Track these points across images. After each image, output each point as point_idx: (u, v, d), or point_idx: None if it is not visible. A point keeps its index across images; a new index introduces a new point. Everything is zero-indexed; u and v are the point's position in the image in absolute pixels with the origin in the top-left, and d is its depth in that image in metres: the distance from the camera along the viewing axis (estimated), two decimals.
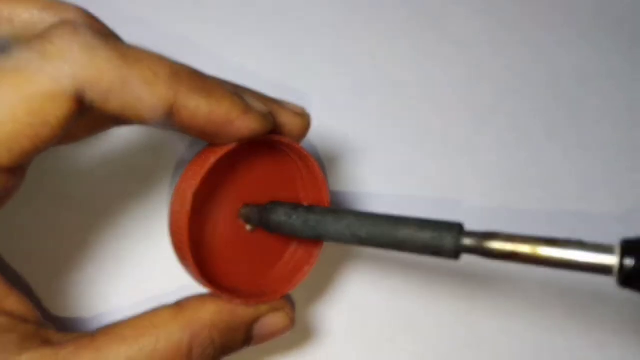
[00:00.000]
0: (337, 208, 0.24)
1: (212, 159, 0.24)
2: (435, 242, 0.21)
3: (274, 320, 0.26)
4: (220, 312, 0.25)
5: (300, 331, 0.32)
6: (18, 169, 0.21)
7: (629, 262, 0.18)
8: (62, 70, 0.20)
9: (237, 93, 0.23)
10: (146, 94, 0.21)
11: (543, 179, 0.36)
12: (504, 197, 0.36)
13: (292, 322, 0.27)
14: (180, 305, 0.25)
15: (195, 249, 0.25)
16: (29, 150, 0.20)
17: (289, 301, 0.27)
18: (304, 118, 0.26)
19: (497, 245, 0.20)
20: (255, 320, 0.26)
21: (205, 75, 0.23)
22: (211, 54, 0.33)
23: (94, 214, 0.31)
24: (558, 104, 0.37)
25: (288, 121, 0.26)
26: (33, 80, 0.20)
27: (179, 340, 0.24)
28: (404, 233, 0.21)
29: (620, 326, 0.35)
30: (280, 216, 0.24)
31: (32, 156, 0.21)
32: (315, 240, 0.25)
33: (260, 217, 0.25)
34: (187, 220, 0.24)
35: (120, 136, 0.32)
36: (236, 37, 0.34)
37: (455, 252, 0.20)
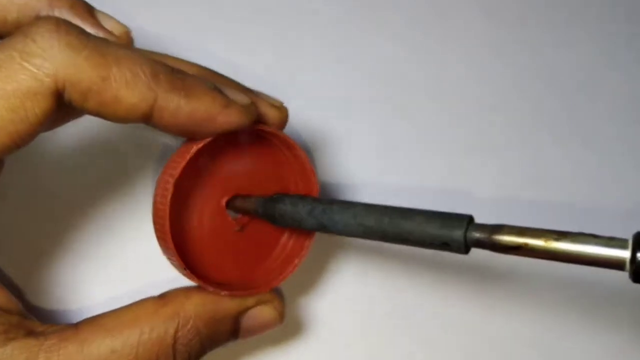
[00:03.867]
0: (344, 200, 0.24)
1: (194, 148, 0.24)
2: (444, 234, 0.20)
3: (261, 313, 0.26)
4: (205, 303, 0.25)
5: (291, 325, 0.32)
6: None
7: None
8: (43, 68, 0.20)
9: (216, 88, 0.23)
10: (125, 94, 0.21)
11: (549, 176, 0.36)
12: (510, 197, 0.36)
13: (281, 316, 0.27)
14: (164, 297, 0.25)
15: (179, 240, 0.25)
16: (8, 145, 0.21)
17: (278, 295, 0.27)
18: (282, 110, 0.27)
19: (507, 238, 0.19)
20: (241, 312, 0.26)
21: (183, 72, 0.23)
22: (194, 44, 0.33)
23: (77, 206, 0.31)
24: (564, 100, 0.37)
25: (265, 112, 0.26)
26: (14, 78, 0.20)
27: (164, 332, 0.24)
28: (412, 224, 0.21)
29: (634, 329, 0.35)
30: (286, 205, 0.24)
31: (10, 151, 0.21)
32: (318, 231, 0.24)
33: (265, 208, 0.25)
34: (168, 209, 0.24)
35: (102, 126, 0.31)
36: (221, 28, 0.34)
37: (464, 246, 0.20)
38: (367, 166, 0.34)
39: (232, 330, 0.26)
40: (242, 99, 0.24)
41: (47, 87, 0.20)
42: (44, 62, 0.20)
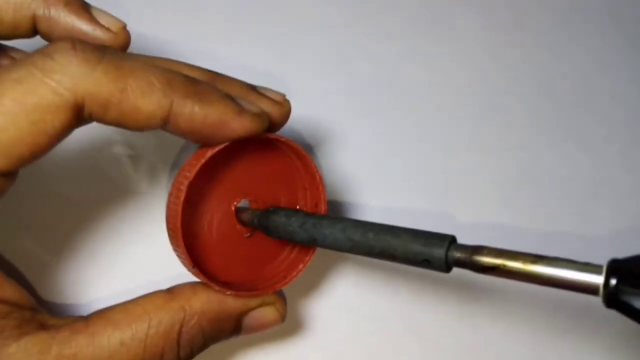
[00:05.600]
0: (336, 216, 0.24)
1: (210, 152, 0.25)
2: (426, 252, 0.21)
3: (263, 314, 0.27)
4: (210, 301, 0.25)
5: (292, 325, 0.33)
6: (12, 173, 0.22)
7: (613, 282, 0.18)
8: (63, 83, 0.21)
9: (229, 96, 0.24)
10: (143, 102, 0.22)
11: (542, 177, 0.37)
12: (505, 197, 0.36)
13: (283, 317, 0.28)
14: (172, 291, 0.25)
15: (189, 240, 0.26)
16: (26, 157, 0.22)
17: (281, 297, 0.28)
18: (283, 106, 0.27)
19: (486, 259, 0.20)
20: (245, 312, 0.27)
21: (197, 80, 0.24)
22: (195, 47, 0.33)
23: (87, 208, 0.31)
24: (570, 102, 0.38)
25: (266, 109, 0.26)
26: (35, 92, 0.21)
27: (170, 326, 0.24)
28: (396, 240, 0.22)
29: (624, 333, 0.35)
30: (280, 217, 0.25)
31: (27, 162, 0.22)
32: (309, 244, 0.25)
33: (260, 220, 0.26)
34: (180, 209, 0.25)
35: (114, 131, 0.31)
36: (222, 30, 0.34)
37: (445, 265, 0.21)
38: (364, 168, 0.35)
39: (234, 328, 0.27)
40: (253, 107, 0.25)
41: (67, 101, 0.21)
42: (63, 77, 0.21)
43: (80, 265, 0.31)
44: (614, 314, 0.34)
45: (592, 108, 0.38)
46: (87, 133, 0.31)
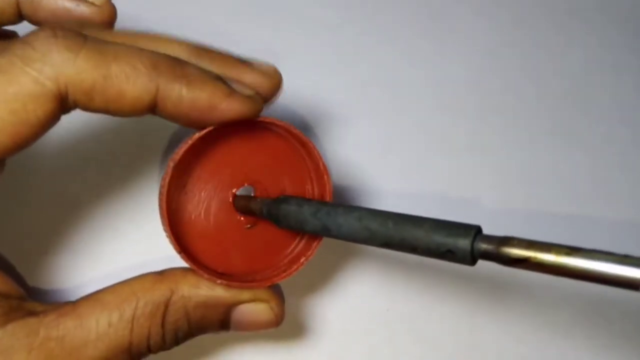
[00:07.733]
0: (350, 204, 0.23)
1: (197, 135, 0.24)
2: (450, 242, 0.20)
3: (254, 309, 0.26)
4: (199, 286, 0.25)
5: (294, 324, 0.33)
6: None
7: None
8: (44, 72, 0.21)
9: (219, 78, 0.24)
10: (128, 88, 0.22)
11: (542, 176, 0.37)
12: (517, 198, 0.36)
13: (278, 317, 0.26)
14: (162, 274, 0.25)
15: (183, 226, 0.26)
16: (10, 147, 0.22)
17: (278, 296, 0.26)
18: (273, 79, 0.26)
19: (516, 251, 0.19)
20: (234, 304, 0.26)
21: (185, 62, 0.23)
22: (197, 16, 0.33)
23: (80, 204, 0.31)
24: (568, 102, 0.38)
25: (254, 82, 0.25)
26: (16, 82, 0.21)
27: (156, 308, 0.24)
28: (418, 230, 0.20)
29: (626, 329, 0.35)
30: (291, 205, 0.24)
31: (12, 152, 0.22)
32: (321, 234, 0.24)
33: (270, 209, 0.25)
34: (166, 190, 0.24)
35: (107, 125, 0.32)
36: (221, 31, 0.34)
37: (471, 257, 0.19)
38: (367, 169, 0.35)
39: (222, 320, 0.26)
40: (245, 90, 0.24)
41: (49, 90, 0.21)
42: (44, 66, 0.21)
43: (74, 258, 0.31)
44: (614, 313, 0.34)
45: (592, 108, 0.38)
46: (79, 123, 0.31)
